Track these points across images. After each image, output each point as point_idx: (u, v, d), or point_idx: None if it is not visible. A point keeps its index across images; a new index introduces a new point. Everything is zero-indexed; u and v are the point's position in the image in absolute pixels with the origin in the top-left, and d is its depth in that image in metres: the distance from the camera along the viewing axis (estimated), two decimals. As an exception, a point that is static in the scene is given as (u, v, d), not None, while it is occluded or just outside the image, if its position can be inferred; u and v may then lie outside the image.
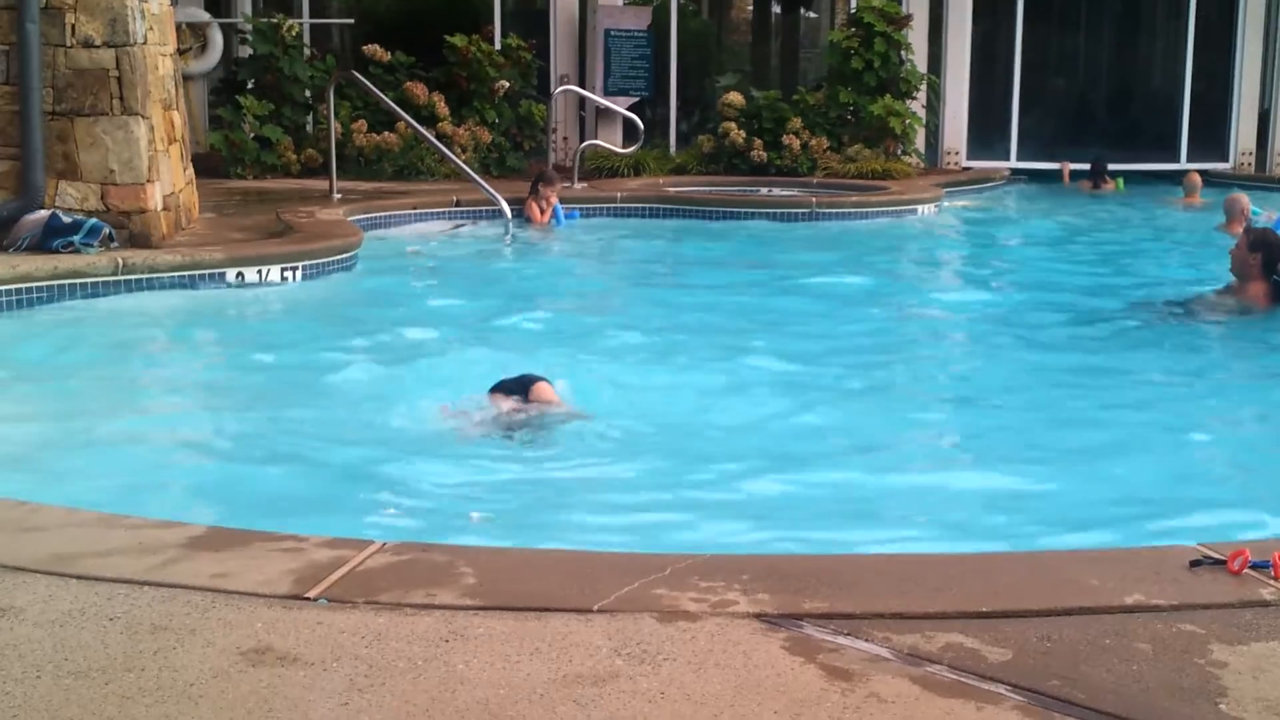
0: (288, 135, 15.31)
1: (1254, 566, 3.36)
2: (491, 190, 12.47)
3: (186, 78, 13.26)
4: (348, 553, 3.48)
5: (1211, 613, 3.16)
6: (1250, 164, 18.92)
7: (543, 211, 12.75)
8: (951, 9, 18.40)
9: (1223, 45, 19.03)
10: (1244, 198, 13.28)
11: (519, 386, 6.01)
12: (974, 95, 18.72)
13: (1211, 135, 19.02)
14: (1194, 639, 3.02)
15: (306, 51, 16.00)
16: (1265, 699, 2.74)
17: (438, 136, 14.60)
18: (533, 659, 2.87)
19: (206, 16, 16.16)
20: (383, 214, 12.48)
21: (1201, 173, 17.76)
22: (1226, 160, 18.98)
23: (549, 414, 5.96)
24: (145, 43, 9.12)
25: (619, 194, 14.15)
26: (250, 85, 15.67)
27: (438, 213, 12.94)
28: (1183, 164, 18.63)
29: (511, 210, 12.30)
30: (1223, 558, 3.41)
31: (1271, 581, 3.30)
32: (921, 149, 17.85)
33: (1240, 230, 12.10)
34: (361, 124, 15.19)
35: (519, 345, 7.92)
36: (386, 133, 15.14)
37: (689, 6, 19.30)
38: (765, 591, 3.23)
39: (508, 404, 5.96)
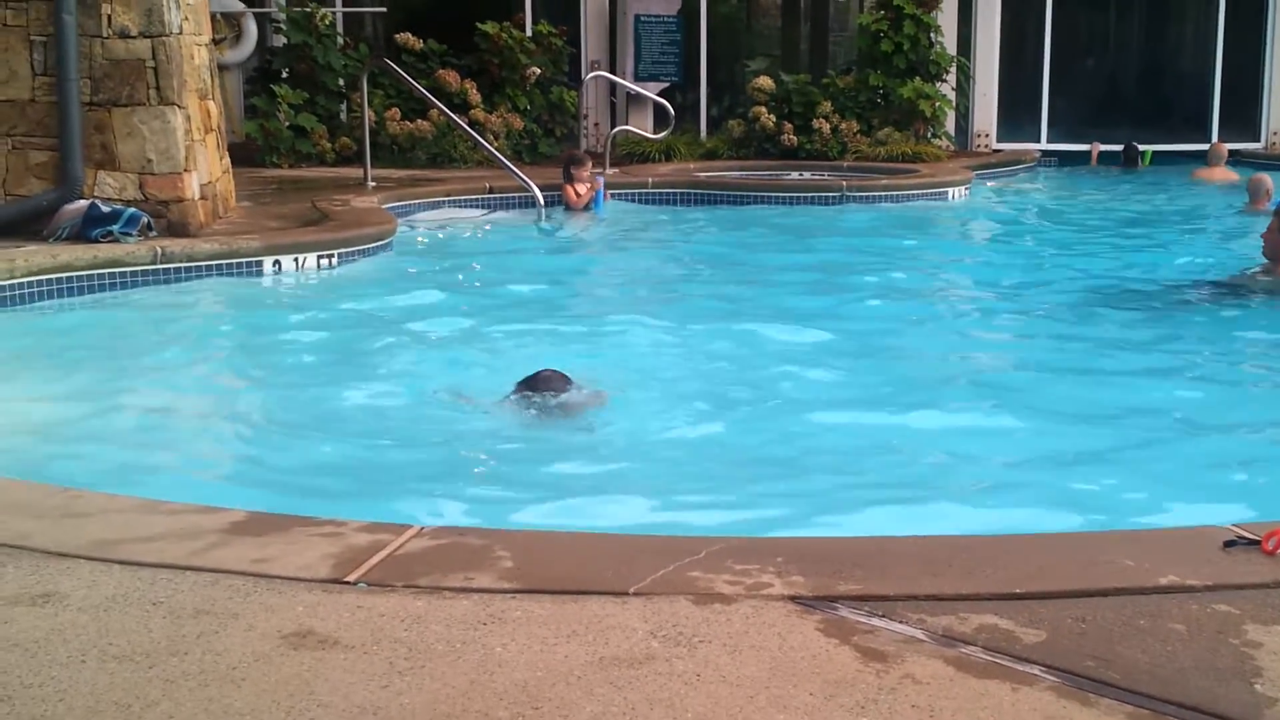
0: (322, 124, 15.36)
1: (1289, 547, 3.36)
2: (524, 177, 12.51)
3: (222, 67, 13.31)
4: (386, 537, 3.51)
5: (1246, 593, 3.16)
6: (1282, 143, 18.80)
7: (579, 195, 12.72)
8: (981, -9, 18.31)
9: (1254, 25, 18.85)
10: (1268, 178, 13.26)
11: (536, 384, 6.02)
12: (1004, 77, 18.62)
13: (1242, 115, 18.87)
14: (1228, 619, 3.02)
15: (340, 40, 16.04)
16: (1300, 679, 2.75)
17: (470, 124, 14.63)
18: (569, 641, 2.90)
19: (241, 6, 16.19)
20: (417, 201, 12.52)
21: (1233, 152, 17.73)
22: (1258, 140, 18.84)
23: (571, 401, 5.98)
24: (181, 33, 9.18)
25: (650, 179, 14.15)
26: (285, 74, 15.73)
27: (471, 200, 12.97)
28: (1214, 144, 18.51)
29: (544, 197, 12.33)
30: (1257, 538, 3.41)
31: (1306, 562, 3.31)
32: (951, 131, 17.78)
33: (1265, 207, 12.20)
34: (395, 112, 15.24)
35: (552, 331, 7.96)
36: (420, 120, 15.18)
37: (718, -9, 19.25)
38: (799, 574, 3.24)
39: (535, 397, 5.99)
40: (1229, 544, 3.42)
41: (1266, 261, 8.83)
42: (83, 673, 2.77)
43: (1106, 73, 20.47)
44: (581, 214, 12.71)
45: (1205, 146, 18.15)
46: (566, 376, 6.02)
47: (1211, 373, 6.98)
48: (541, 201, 12.21)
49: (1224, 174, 16.19)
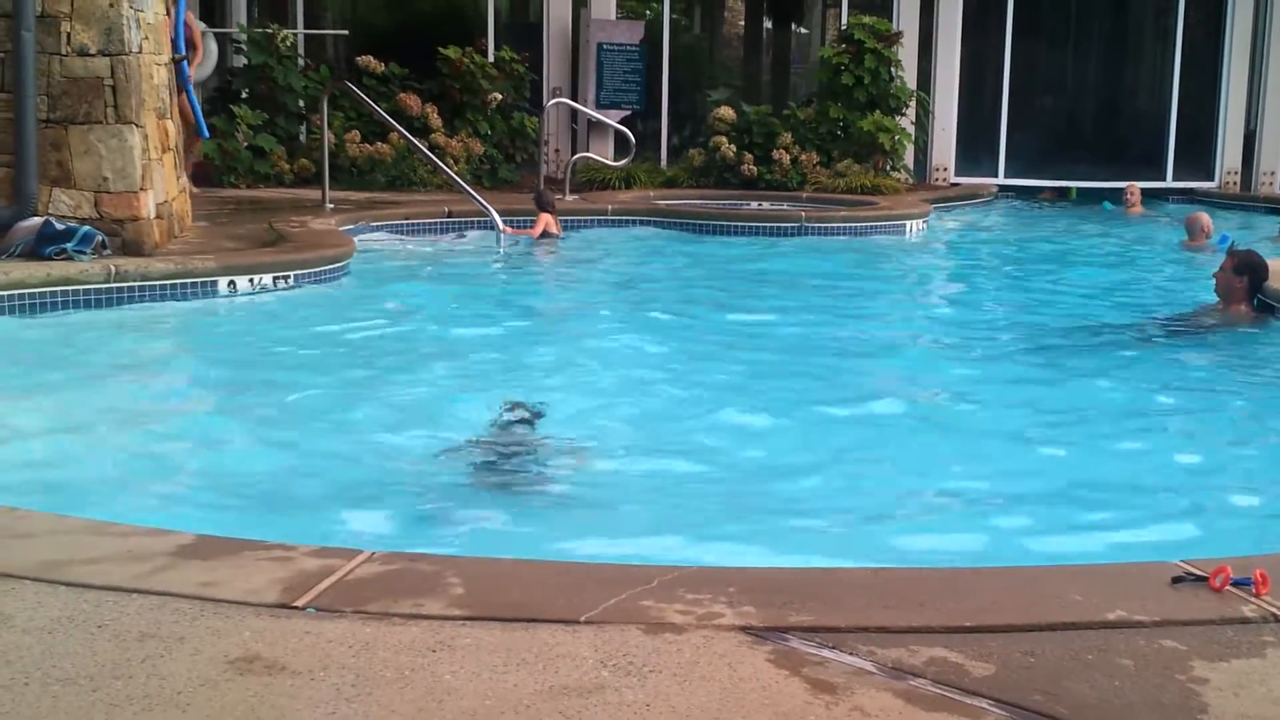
0: (281, 145, 15.32)
1: (1236, 584, 3.38)
2: (483, 201, 12.49)
3: (180, 86, 13.26)
4: (336, 562, 3.49)
5: (1193, 629, 3.18)
6: (1235, 183, 19.02)
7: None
8: (941, 26, 18.48)
9: (1209, 66, 19.12)
10: (1205, 216, 13.68)
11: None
12: (963, 112, 18.80)
13: (1197, 154, 19.12)
14: (1175, 655, 3.04)
15: (301, 62, 16.01)
16: (1245, 716, 2.76)
17: (430, 148, 14.62)
18: (519, 670, 2.88)
19: (201, 26, 16.16)
20: (375, 224, 12.50)
21: (1188, 191, 18.15)
22: (1212, 179, 19.08)
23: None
24: (140, 51, 9.14)
25: (610, 206, 14.18)
26: (244, 95, 15.68)
27: (430, 223, 12.96)
28: (1169, 182, 18.79)
29: (503, 221, 12.32)
30: (1205, 574, 3.43)
31: (1253, 599, 3.33)
32: (910, 165, 17.92)
33: (1202, 244, 12.60)
34: (355, 134, 15.21)
35: (506, 355, 7.95)
36: (379, 143, 15.17)
37: (681, 21, 19.35)
38: (751, 604, 3.24)
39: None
40: (1177, 580, 3.44)
41: (1219, 300, 8.94)
42: (25, 695, 2.74)
43: (1064, 110, 20.70)
44: (541, 240, 12.73)
45: (1160, 185, 18.51)
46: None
47: (1164, 410, 7.03)
48: (500, 226, 12.20)
49: (1139, 213, 16.82)
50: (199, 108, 12.52)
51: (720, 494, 5.38)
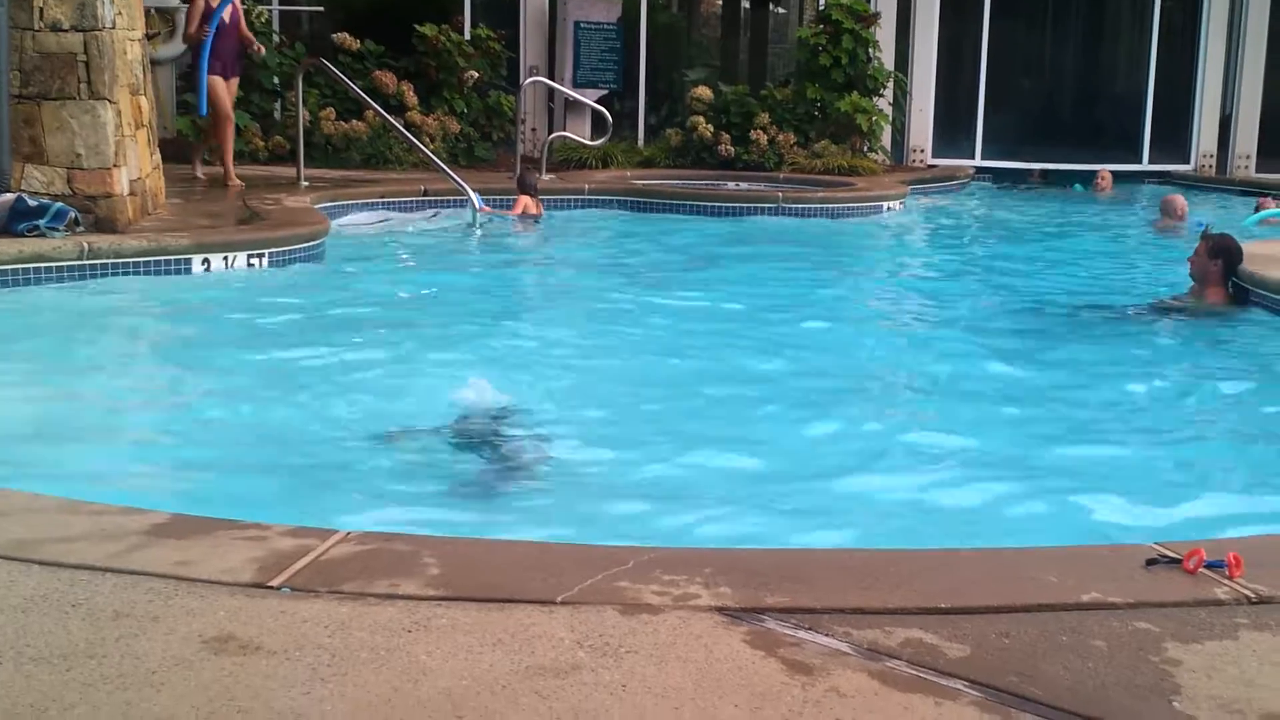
0: (256, 122, 15.24)
1: (1209, 566, 3.40)
2: (459, 180, 12.46)
3: (154, 63, 13.15)
4: (311, 542, 3.48)
5: (1167, 611, 3.20)
6: (1211, 166, 19.09)
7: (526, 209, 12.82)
8: (919, 8, 18.47)
9: (1186, 49, 19.19)
10: (1180, 198, 13.78)
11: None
12: (940, 93, 18.80)
13: (1173, 137, 19.19)
14: (1149, 637, 3.05)
15: (276, 38, 15.92)
16: (1218, 697, 2.78)
17: (406, 126, 14.57)
18: (495, 650, 2.88)
19: (175, 1, 16.03)
20: (350, 202, 12.46)
21: (1164, 174, 18.27)
22: (1188, 162, 19.14)
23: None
24: (114, 27, 9.07)
25: (586, 186, 14.16)
26: (218, 71, 15.58)
27: (406, 202, 12.93)
28: (1145, 165, 18.87)
29: (480, 200, 12.29)
30: (1179, 557, 3.45)
31: (1226, 581, 3.35)
32: (888, 146, 17.93)
33: (1174, 225, 12.73)
34: (330, 112, 15.15)
35: (482, 335, 7.94)
36: (355, 121, 15.10)
37: (659, 0, 19.30)
38: (727, 585, 3.24)
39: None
40: (1151, 562, 3.45)
41: (1194, 284, 8.98)
42: (-2, 675, 2.73)
43: (1041, 92, 20.75)
44: (520, 220, 12.71)
45: (1136, 167, 18.60)
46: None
47: (1138, 393, 7.05)
48: (477, 205, 12.17)
49: (1109, 195, 17.08)
50: (205, 86, 12.47)
51: (696, 475, 5.38)
